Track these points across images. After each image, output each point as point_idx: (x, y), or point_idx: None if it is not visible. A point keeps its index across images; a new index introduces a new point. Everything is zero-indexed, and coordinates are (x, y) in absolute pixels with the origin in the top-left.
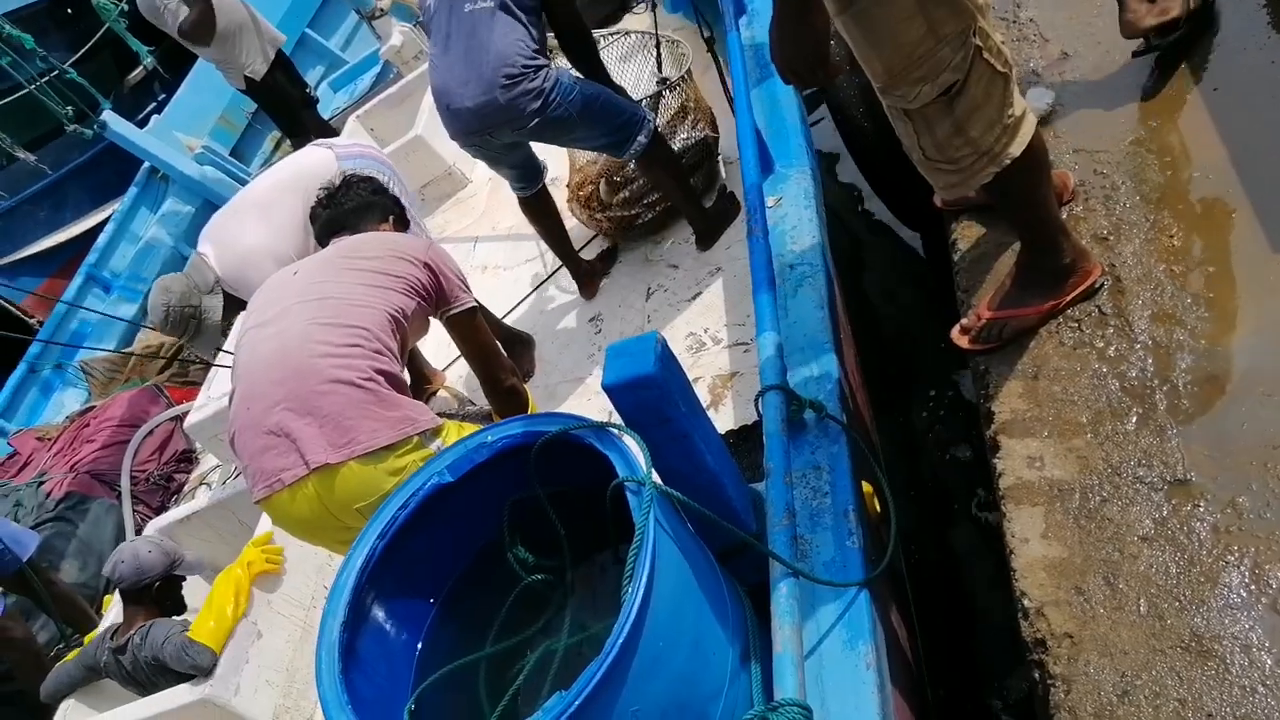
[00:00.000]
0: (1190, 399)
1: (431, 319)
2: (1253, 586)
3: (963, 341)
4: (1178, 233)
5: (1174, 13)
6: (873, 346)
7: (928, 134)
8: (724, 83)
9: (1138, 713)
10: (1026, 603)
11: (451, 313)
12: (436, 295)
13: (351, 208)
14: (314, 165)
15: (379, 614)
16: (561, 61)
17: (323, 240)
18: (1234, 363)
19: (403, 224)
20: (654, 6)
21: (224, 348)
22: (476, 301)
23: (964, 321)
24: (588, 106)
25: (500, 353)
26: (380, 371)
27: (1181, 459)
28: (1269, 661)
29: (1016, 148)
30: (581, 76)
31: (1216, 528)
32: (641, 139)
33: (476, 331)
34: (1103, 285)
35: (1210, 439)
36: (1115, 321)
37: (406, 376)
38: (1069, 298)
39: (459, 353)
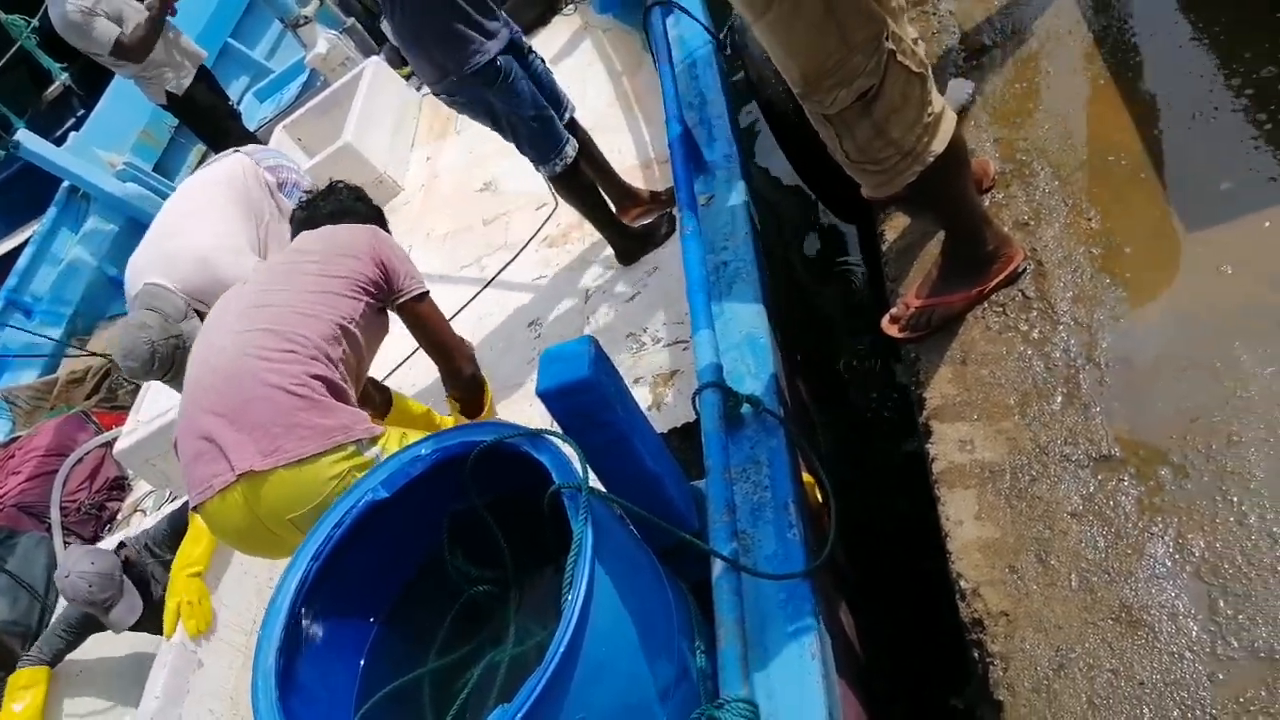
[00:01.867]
0: (1112, 377)
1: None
2: (1177, 556)
3: (892, 330)
4: (1096, 215)
5: None
6: (811, 338)
7: (849, 137)
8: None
9: (1073, 685)
10: (963, 584)
11: (400, 300)
12: (387, 287)
13: (328, 211)
14: (228, 165)
15: (317, 636)
16: None
17: None
18: (1153, 340)
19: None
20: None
21: None
22: (425, 287)
23: (893, 311)
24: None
25: (459, 340)
26: (316, 377)
27: (1105, 436)
28: (1194, 628)
29: (939, 144)
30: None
31: (1140, 501)
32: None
33: (429, 318)
34: (1025, 270)
35: (1132, 415)
36: (1039, 305)
37: (351, 389)
38: (993, 284)
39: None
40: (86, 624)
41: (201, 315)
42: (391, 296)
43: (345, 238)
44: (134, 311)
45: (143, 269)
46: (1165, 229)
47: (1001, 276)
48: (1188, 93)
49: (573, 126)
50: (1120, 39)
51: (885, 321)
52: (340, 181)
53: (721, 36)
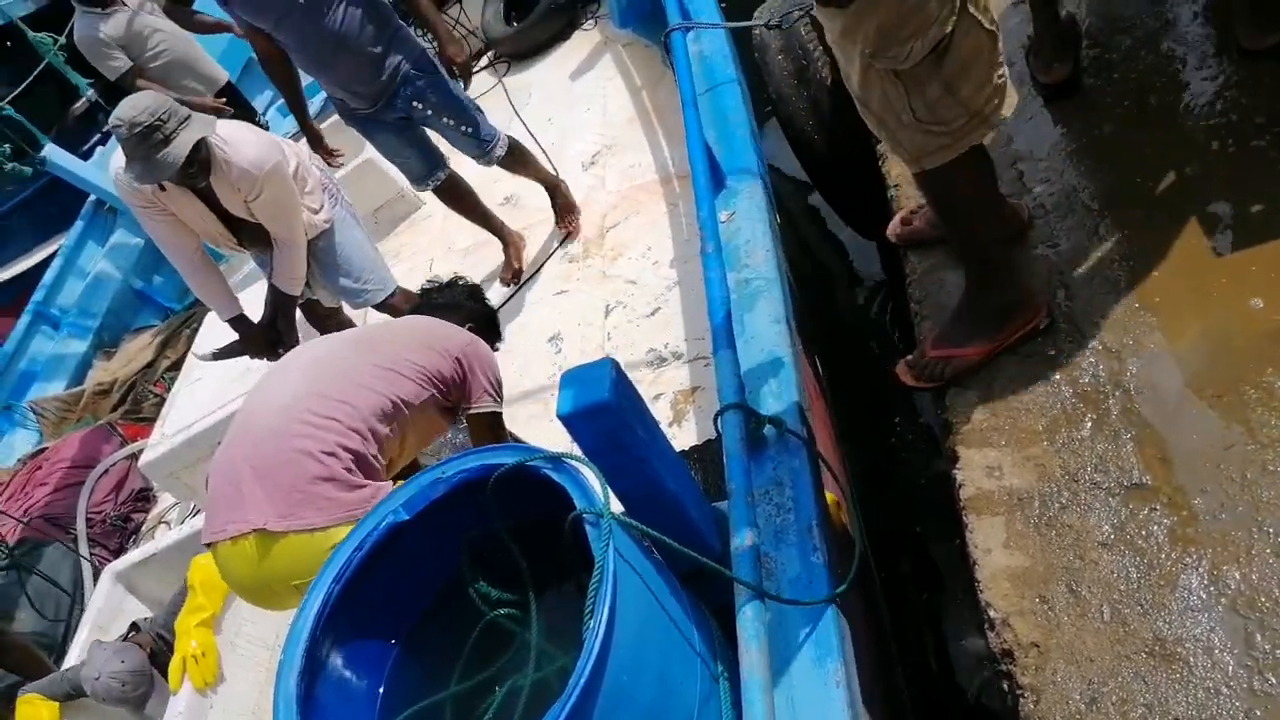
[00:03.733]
0: (1143, 403)
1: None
2: (1211, 588)
3: (907, 379)
4: (1123, 239)
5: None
6: (835, 354)
7: (919, 95)
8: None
9: None
10: (992, 613)
11: (470, 411)
12: (459, 391)
13: (439, 304)
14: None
15: (338, 660)
16: None
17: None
18: (1183, 366)
19: (489, 334)
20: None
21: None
22: (500, 407)
23: (909, 358)
24: None
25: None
26: (348, 449)
27: (1136, 463)
28: (1231, 662)
29: (1007, 110)
30: None
31: (1173, 531)
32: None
33: (491, 436)
34: (1047, 327)
35: (1163, 443)
36: (1066, 327)
37: (383, 470)
38: (1011, 340)
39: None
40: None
41: None
42: (463, 403)
43: (440, 334)
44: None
45: None
46: (1194, 253)
47: (1020, 334)
48: (1214, 120)
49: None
50: (1145, 64)
51: (901, 368)
52: (462, 279)
53: (768, 23)
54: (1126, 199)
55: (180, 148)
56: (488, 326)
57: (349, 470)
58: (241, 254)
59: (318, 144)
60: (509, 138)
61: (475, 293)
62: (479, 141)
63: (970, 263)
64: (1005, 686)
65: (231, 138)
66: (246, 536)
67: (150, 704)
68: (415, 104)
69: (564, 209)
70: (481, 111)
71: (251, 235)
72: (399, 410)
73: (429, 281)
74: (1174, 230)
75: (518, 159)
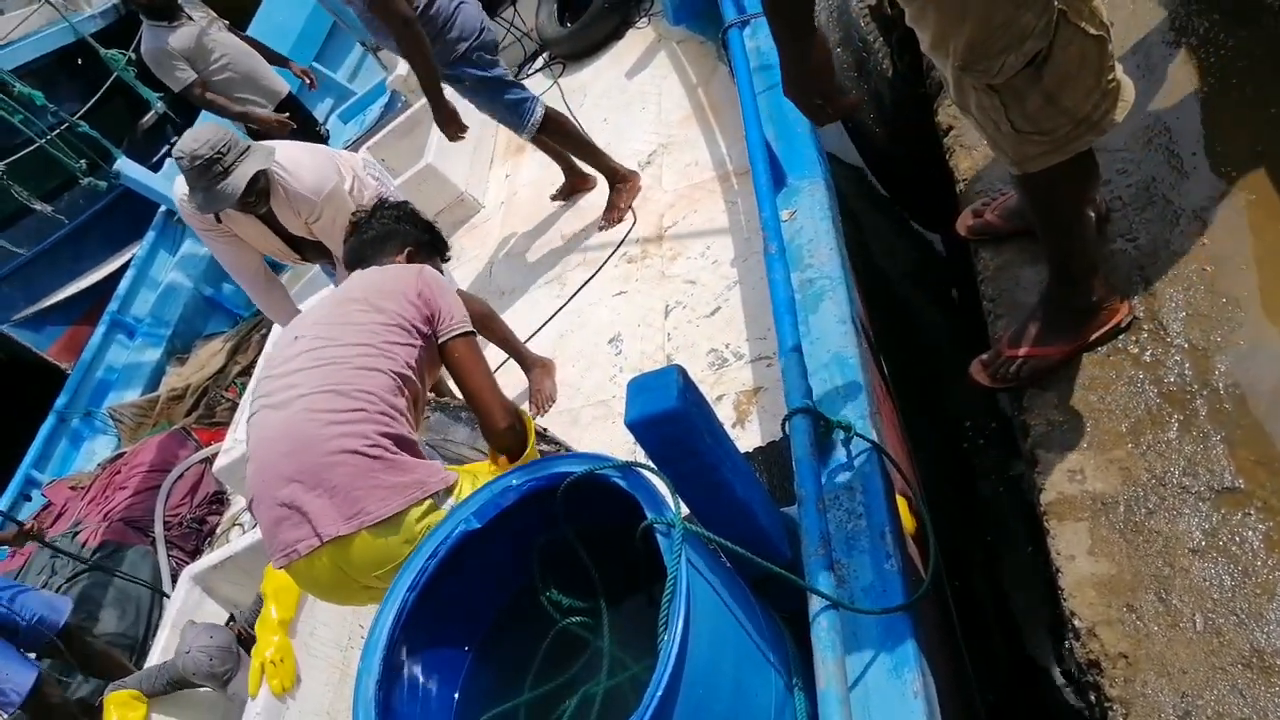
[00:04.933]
0: (1232, 402)
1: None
2: None
3: (983, 378)
4: (1206, 232)
5: None
6: (902, 353)
7: (1017, 107)
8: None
9: None
10: (1077, 623)
11: (441, 340)
12: (434, 326)
13: (371, 238)
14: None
15: (414, 667)
16: None
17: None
18: (1275, 364)
19: (431, 251)
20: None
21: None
22: (468, 326)
23: (983, 357)
24: None
25: (495, 390)
26: (387, 435)
27: (1227, 466)
28: None
29: (1120, 113)
30: None
31: (1269, 537)
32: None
33: (465, 361)
34: (1129, 324)
35: (1256, 443)
36: (1149, 325)
37: (415, 434)
38: (1093, 338)
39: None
40: (184, 684)
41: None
42: (436, 336)
43: (389, 285)
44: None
45: None
46: None
47: (1103, 331)
48: None
49: None
50: (1228, 47)
51: (976, 368)
52: (384, 200)
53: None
54: (1208, 189)
55: (239, 179)
56: (429, 246)
57: (396, 454)
58: (305, 265)
59: (452, 120)
60: (546, 110)
61: (405, 213)
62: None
63: (1058, 259)
64: (1092, 698)
65: (290, 163)
66: (320, 550)
67: (235, 684)
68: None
69: (613, 202)
70: (519, 89)
71: (314, 251)
72: (406, 377)
73: (356, 214)
74: (1261, 221)
75: (557, 129)
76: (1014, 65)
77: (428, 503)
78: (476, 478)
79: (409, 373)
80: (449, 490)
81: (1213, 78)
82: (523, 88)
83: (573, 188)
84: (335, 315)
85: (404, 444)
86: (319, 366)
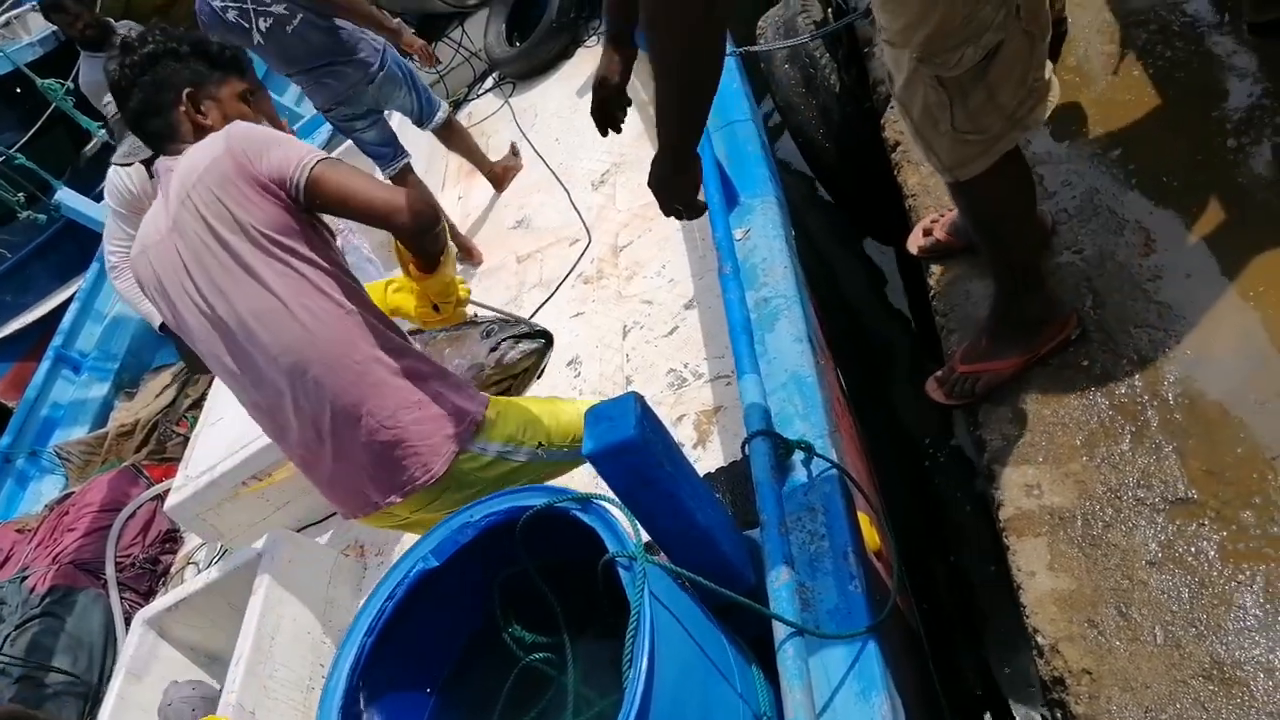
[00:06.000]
0: (1182, 412)
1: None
2: (1267, 606)
3: (938, 396)
4: (1149, 241)
5: None
6: (860, 370)
7: (961, 103)
8: None
9: None
10: (1040, 640)
11: (297, 190)
12: (285, 188)
13: (138, 107)
14: None
15: (374, 714)
16: None
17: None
18: (1222, 372)
19: (217, 75)
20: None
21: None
22: (320, 155)
23: (938, 374)
24: None
25: (383, 188)
26: (383, 383)
27: (1180, 476)
28: None
29: (1042, 113)
30: None
31: (1224, 546)
32: None
33: (335, 184)
34: (1079, 336)
35: (1206, 453)
36: (1098, 336)
37: (406, 343)
38: (1042, 351)
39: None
40: None
41: None
42: (290, 192)
43: (201, 166)
44: None
45: None
46: (1227, 254)
47: (1053, 344)
48: (1242, 111)
49: None
50: (1163, 58)
51: (931, 385)
52: (128, 34)
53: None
54: (1151, 199)
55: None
56: (209, 69)
57: (417, 415)
58: None
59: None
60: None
61: (156, 51)
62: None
63: (1000, 273)
64: (1058, 715)
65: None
66: (380, 510)
67: None
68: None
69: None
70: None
71: None
72: (335, 289)
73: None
74: (1203, 231)
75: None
76: (971, 58)
77: (466, 455)
78: (501, 414)
79: (336, 280)
80: (478, 431)
81: (1151, 88)
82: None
83: (499, 175)
84: (208, 265)
85: (410, 374)
86: (264, 344)
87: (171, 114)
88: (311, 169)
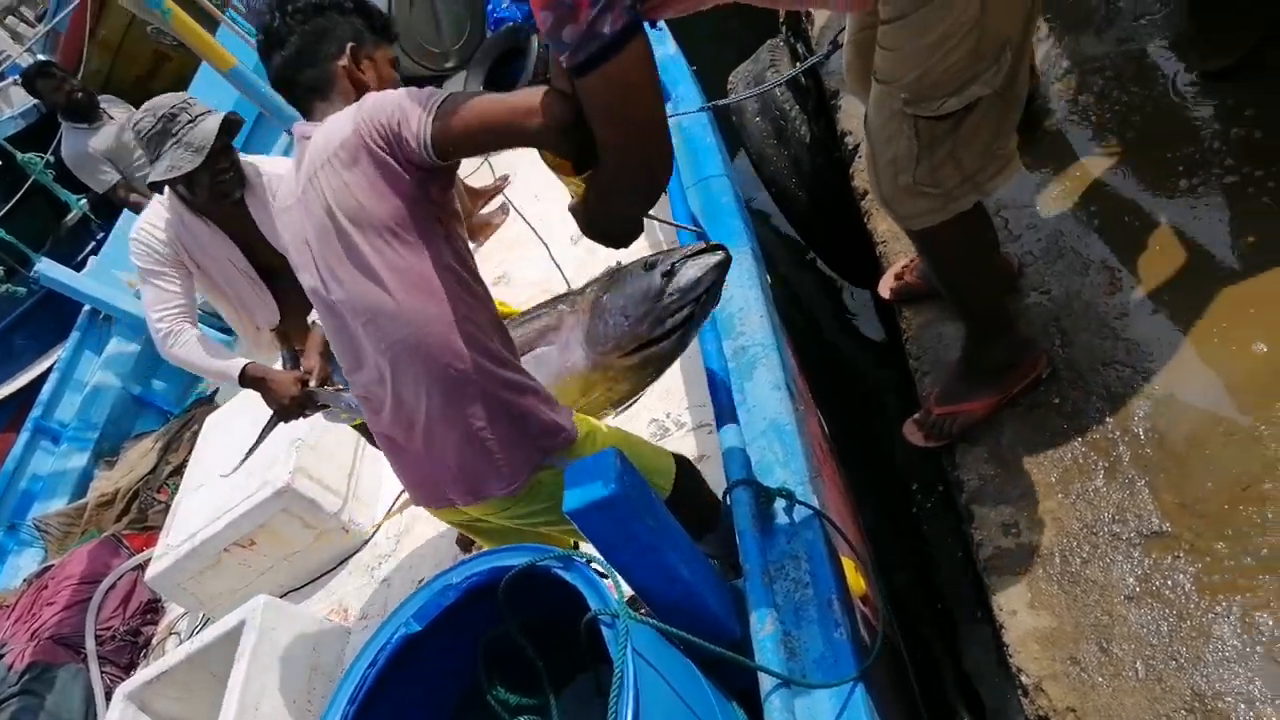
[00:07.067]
0: (1152, 447)
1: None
2: (1245, 636)
3: (916, 439)
4: (1113, 280)
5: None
6: (841, 413)
7: (927, 154)
8: None
9: None
10: (1024, 679)
11: (425, 143)
12: (410, 145)
13: (292, 54)
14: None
15: None
16: None
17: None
18: (1191, 406)
19: (376, 36)
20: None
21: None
22: (437, 99)
23: (916, 417)
24: None
25: (506, 100)
26: (490, 404)
27: (1154, 510)
28: (1274, 714)
29: (1001, 182)
30: None
31: (1199, 579)
32: None
33: (467, 118)
34: (1049, 375)
35: (1178, 487)
36: (1067, 374)
37: (502, 346)
38: (1014, 391)
39: None
40: None
41: None
42: (423, 146)
43: (328, 154)
44: None
45: None
46: (1189, 291)
47: (1024, 384)
48: (1196, 151)
49: None
50: (1119, 102)
51: (909, 428)
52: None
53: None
54: (1113, 239)
55: (209, 124)
56: (369, 29)
57: (506, 426)
58: (257, 346)
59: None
60: None
61: (320, 2)
62: None
63: (967, 317)
64: None
65: (263, 160)
66: (452, 508)
67: None
68: None
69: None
70: None
71: (287, 282)
72: (448, 293)
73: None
74: (1166, 269)
75: None
76: (952, 107)
77: (548, 473)
78: (592, 434)
79: (448, 262)
80: (566, 450)
81: (1110, 132)
82: None
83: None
84: (328, 245)
85: (508, 383)
86: (370, 330)
87: (330, 66)
88: (431, 130)
